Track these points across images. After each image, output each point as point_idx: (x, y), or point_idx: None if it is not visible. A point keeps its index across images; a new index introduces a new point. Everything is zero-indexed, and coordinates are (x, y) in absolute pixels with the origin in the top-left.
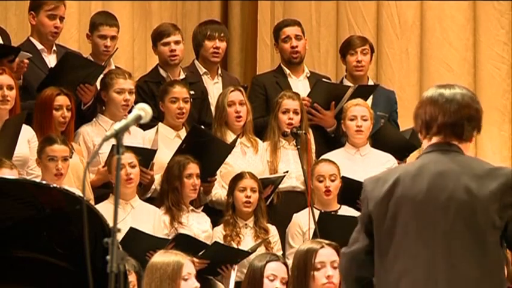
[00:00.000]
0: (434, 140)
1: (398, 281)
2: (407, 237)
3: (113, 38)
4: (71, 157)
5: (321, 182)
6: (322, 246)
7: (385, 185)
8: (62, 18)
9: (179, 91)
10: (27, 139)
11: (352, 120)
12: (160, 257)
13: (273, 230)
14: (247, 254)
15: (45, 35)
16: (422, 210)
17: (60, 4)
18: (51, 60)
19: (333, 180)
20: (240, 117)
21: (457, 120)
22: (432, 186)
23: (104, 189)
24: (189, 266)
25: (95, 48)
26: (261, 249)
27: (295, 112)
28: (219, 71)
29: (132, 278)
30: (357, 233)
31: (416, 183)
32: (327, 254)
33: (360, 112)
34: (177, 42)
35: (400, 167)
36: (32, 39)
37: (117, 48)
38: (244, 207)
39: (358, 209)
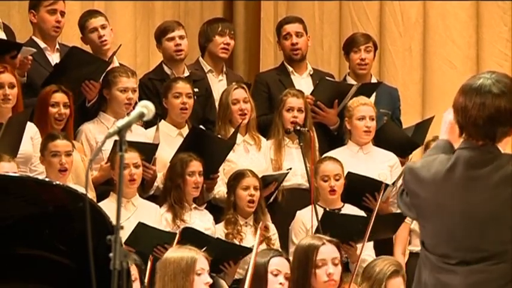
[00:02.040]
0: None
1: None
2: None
3: (103, 27)
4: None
5: (325, 181)
6: (324, 243)
7: (419, 182)
8: (62, 13)
9: (182, 86)
10: (30, 136)
11: (360, 120)
12: (174, 252)
13: (272, 227)
14: (249, 250)
15: (47, 31)
16: (449, 215)
17: None
18: (54, 59)
19: (337, 180)
20: (244, 114)
21: (487, 127)
22: (461, 190)
23: (105, 187)
24: (202, 261)
25: (93, 46)
26: (262, 247)
27: (300, 110)
28: (224, 69)
29: (133, 270)
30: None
31: (446, 185)
32: (328, 251)
33: (368, 112)
34: (181, 37)
35: (435, 162)
36: (34, 38)
37: (120, 45)
38: (248, 207)
39: (361, 207)
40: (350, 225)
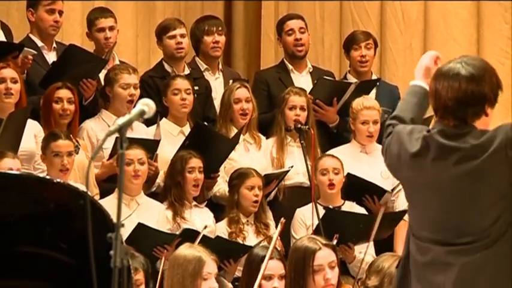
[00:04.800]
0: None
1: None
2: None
3: (111, 28)
4: (77, 153)
5: (324, 175)
6: (320, 248)
7: (399, 152)
8: (60, 12)
9: (181, 83)
10: (33, 134)
11: (363, 124)
12: (184, 251)
13: (272, 226)
14: (250, 249)
15: (45, 30)
16: (428, 187)
17: None
18: (51, 58)
19: (336, 174)
20: (245, 114)
21: (457, 109)
22: (437, 161)
23: (110, 184)
24: (210, 265)
25: (97, 44)
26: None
27: (302, 108)
28: (220, 66)
29: (140, 276)
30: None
31: (421, 164)
32: (324, 256)
33: (372, 117)
34: (182, 36)
35: (412, 139)
36: (31, 36)
37: (115, 43)
38: (252, 206)
39: (362, 206)
40: (351, 224)
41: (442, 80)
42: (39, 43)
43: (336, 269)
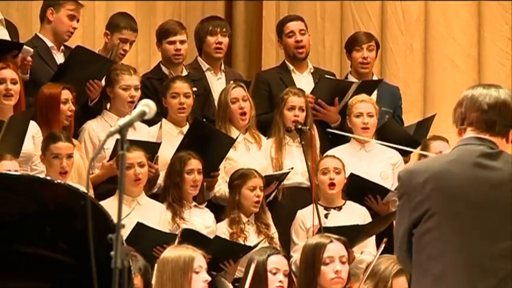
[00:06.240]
0: (468, 133)
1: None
2: (440, 234)
3: (132, 42)
4: None
5: (325, 174)
6: (331, 241)
7: (420, 177)
8: (78, 21)
9: (180, 86)
10: (31, 135)
11: (358, 117)
12: (171, 251)
13: (272, 226)
14: (249, 249)
15: (61, 34)
16: (455, 207)
17: (80, 7)
18: (59, 58)
19: (337, 173)
20: (244, 113)
21: (490, 114)
22: (465, 182)
23: (111, 185)
24: (200, 259)
25: (109, 47)
26: (263, 245)
27: (301, 109)
28: (222, 67)
29: (136, 280)
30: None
31: (449, 178)
32: (335, 249)
33: (365, 109)
34: (182, 42)
35: (432, 160)
36: (40, 35)
37: (119, 43)
38: (254, 207)
39: (364, 205)
40: (345, 235)
41: (480, 88)
42: (49, 43)
43: (347, 265)
